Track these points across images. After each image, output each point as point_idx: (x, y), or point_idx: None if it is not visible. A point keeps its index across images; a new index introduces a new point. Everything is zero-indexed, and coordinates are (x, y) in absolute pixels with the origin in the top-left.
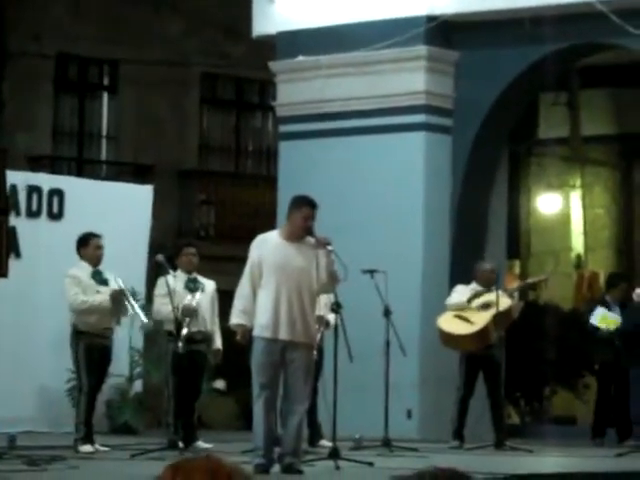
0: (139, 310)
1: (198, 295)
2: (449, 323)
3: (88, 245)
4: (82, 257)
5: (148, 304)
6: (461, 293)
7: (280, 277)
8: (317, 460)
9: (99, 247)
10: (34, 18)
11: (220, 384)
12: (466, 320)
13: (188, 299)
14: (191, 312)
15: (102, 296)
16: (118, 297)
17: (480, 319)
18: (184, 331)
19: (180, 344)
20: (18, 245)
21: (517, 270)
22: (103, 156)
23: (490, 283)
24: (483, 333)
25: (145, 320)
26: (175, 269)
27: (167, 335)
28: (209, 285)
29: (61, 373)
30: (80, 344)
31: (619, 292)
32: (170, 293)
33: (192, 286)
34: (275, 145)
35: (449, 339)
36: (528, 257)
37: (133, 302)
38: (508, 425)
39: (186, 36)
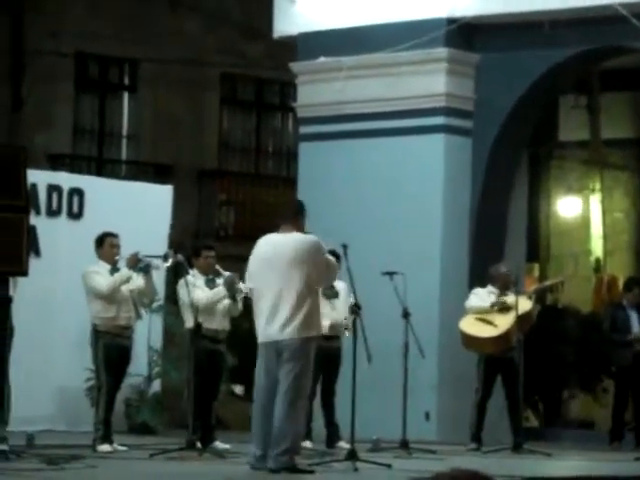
0: (156, 261)
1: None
2: (471, 325)
3: (104, 244)
4: (99, 257)
5: (167, 302)
6: (480, 296)
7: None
8: (335, 461)
9: (114, 246)
10: (52, 17)
11: (239, 389)
12: (489, 323)
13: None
14: (232, 281)
15: (123, 271)
16: (134, 260)
17: (503, 322)
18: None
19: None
20: (38, 244)
21: (536, 273)
22: (123, 156)
23: (507, 286)
24: (505, 336)
25: (162, 264)
26: (192, 268)
27: (191, 334)
28: (224, 292)
29: (80, 372)
30: (100, 344)
31: (635, 296)
32: (189, 297)
33: (212, 285)
34: (295, 146)
35: (472, 342)
36: (547, 260)
37: (148, 260)
38: (526, 428)
39: (206, 36)
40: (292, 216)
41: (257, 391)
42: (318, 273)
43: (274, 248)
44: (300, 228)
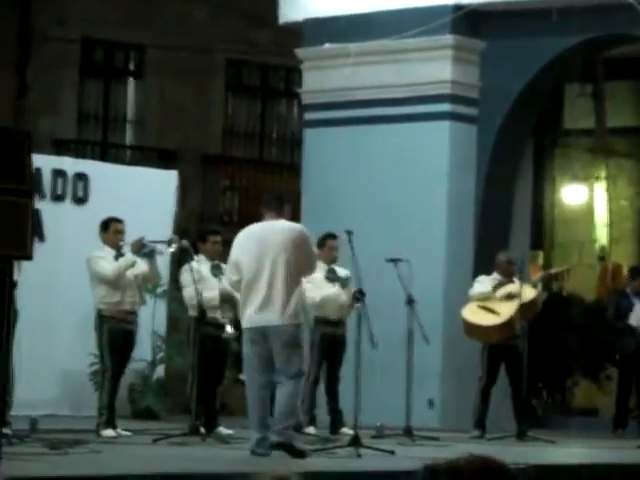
0: (160, 246)
1: (224, 280)
2: (474, 314)
3: (108, 229)
4: (104, 242)
5: (171, 288)
6: (483, 284)
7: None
8: (338, 447)
9: (118, 232)
10: (59, 2)
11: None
12: (491, 311)
13: (222, 285)
14: (230, 298)
15: (127, 256)
16: (138, 246)
17: (505, 310)
18: (226, 315)
19: (228, 329)
20: (42, 229)
21: (540, 261)
22: (128, 141)
23: (509, 273)
24: (508, 324)
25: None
26: (197, 254)
27: (194, 321)
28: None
29: (84, 357)
30: (104, 328)
31: (639, 284)
32: (194, 280)
33: (217, 272)
34: (300, 132)
35: (474, 330)
36: (552, 248)
37: (152, 245)
38: (530, 416)
39: (212, 22)
40: (277, 205)
41: (251, 376)
42: (305, 261)
43: (263, 236)
44: (286, 216)
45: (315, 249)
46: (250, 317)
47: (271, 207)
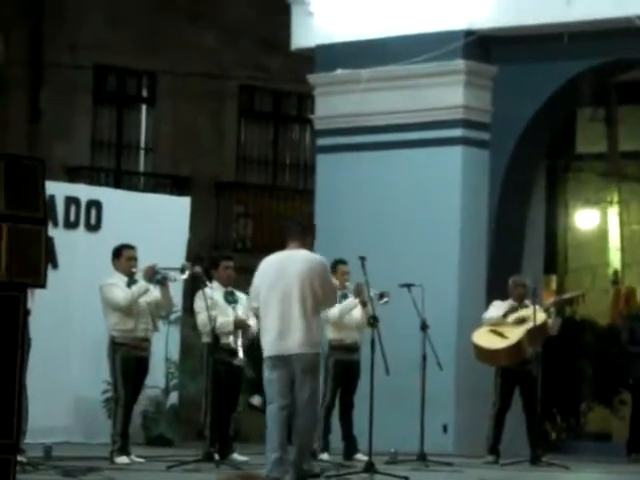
0: (173, 273)
1: (240, 308)
2: (483, 338)
3: (121, 257)
4: (116, 269)
5: (185, 315)
6: (498, 308)
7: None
8: (352, 473)
9: (131, 258)
10: (71, 29)
11: (256, 400)
12: (500, 335)
13: (236, 312)
14: (243, 324)
15: (140, 283)
16: (151, 273)
17: (514, 334)
18: (239, 342)
19: (240, 355)
20: (55, 256)
21: (554, 285)
22: (141, 168)
23: (520, 297)
24: (517, 348)
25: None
26: (210, 281)
27: (208, 347)
28: (244, 299)
29: (97, 384)
30: (117, 355)
31: None
32: (208, 306)
33: (231, 299)
34: (312, 158)
35: (483, 354)
36: (565, 272)
37: (164, 272)
38: (544, 441)
39: (224, 48)
40: (301, 234)
41: (271, 398)
42: (324, 293)
43: (284, 265)
44: (308, 246)
45: None
46: (269, 345)
47: (295, 236)
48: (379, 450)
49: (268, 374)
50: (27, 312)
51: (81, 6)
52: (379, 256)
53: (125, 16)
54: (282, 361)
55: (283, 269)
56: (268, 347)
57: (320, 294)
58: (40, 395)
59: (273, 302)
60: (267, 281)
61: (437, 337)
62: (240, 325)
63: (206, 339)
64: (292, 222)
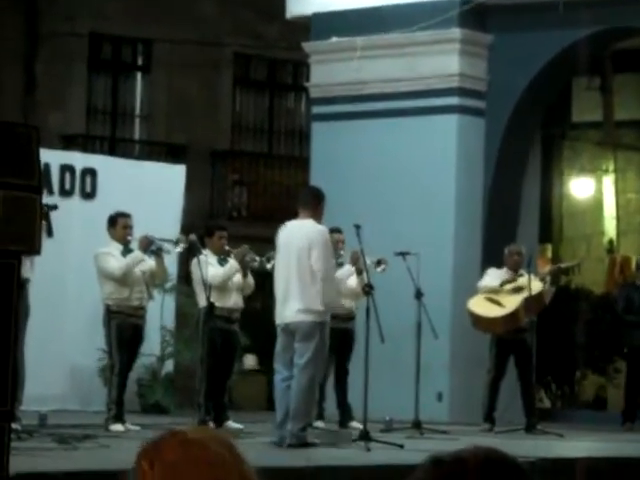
0: (167, 245)
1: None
2: (480, 305)
3: (116, 225)
4: (111, 237)
5: (180, 283)
6: (493, 276)
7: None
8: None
9: (126, 227)
10: None
11: (251, 360)
12: (497, 303)
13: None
14: (245, 253)
15: (135, 253)
16: (146, 243)
17: (511, 302)
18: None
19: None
20: (50, 224)
21: (549, 254)
22: (136, 135)
23: (517, 266)
24: (513, 316)
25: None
26: (204, 248)
27: (204, 314)
28: (235, 264)
29: (92, 352)
30: (112, 324)
31: None
32: (203, 276)
33: (224, 264)
34: (308, 126)
35: (479, 321)
36: (560, 241)
37: (159, 243)
38: (539, 409)
39: (219, 16)
40: (312, 203)
41: (276, 371)
42: (322, 263)
43: (288, 235)
44: (318, 216)
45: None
46: (276, 314)
47: (307, 205)
48: (374, 418)
49: (277, 344)
50: (27, 280)
51: None
52: (374, 224)
53: None
54: (284, 330)
55: (288, 240)
56: (275, 316)
57: (319, 264)
58: (36, 363)
59: (278, 273)
60: (277, 250)
61: (432, 305)
62: (242, 254)
63: (202, 303)
64: (305, 191)
